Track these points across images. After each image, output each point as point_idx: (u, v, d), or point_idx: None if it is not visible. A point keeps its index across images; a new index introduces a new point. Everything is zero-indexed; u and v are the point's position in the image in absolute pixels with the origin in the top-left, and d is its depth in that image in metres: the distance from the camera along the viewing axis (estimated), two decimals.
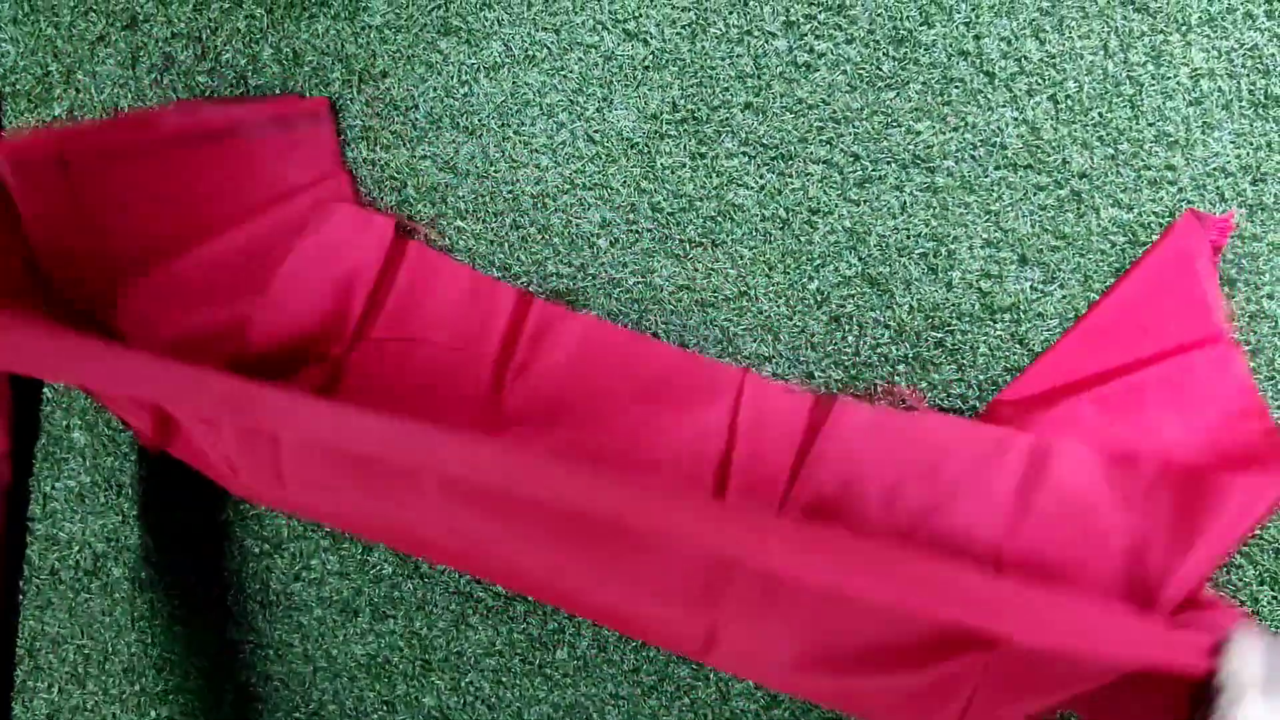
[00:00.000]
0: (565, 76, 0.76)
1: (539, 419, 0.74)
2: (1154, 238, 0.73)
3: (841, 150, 0.75)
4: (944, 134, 0.74)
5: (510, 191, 0.77)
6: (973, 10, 0.73)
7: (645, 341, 0.76)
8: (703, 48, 0.75)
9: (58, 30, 0.77)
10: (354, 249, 0.75)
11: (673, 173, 0.76)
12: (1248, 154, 0.73)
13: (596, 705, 0.78)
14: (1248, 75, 0.72)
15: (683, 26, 0.75)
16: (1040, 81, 0.73)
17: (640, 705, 0.77)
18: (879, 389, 0.75)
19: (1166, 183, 0.73)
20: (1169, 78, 0.73)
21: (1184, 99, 0.73)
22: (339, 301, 0.75)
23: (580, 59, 0.76)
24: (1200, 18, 0.72)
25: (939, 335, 0.75)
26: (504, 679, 0.78)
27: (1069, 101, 0.73)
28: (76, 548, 0.79)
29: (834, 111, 0.75)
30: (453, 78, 0.77)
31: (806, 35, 0.75)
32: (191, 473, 0.72)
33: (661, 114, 0.76)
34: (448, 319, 0.76)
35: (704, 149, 0.76)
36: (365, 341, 0.76)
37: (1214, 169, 0.73)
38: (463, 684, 0.78)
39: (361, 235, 0.75)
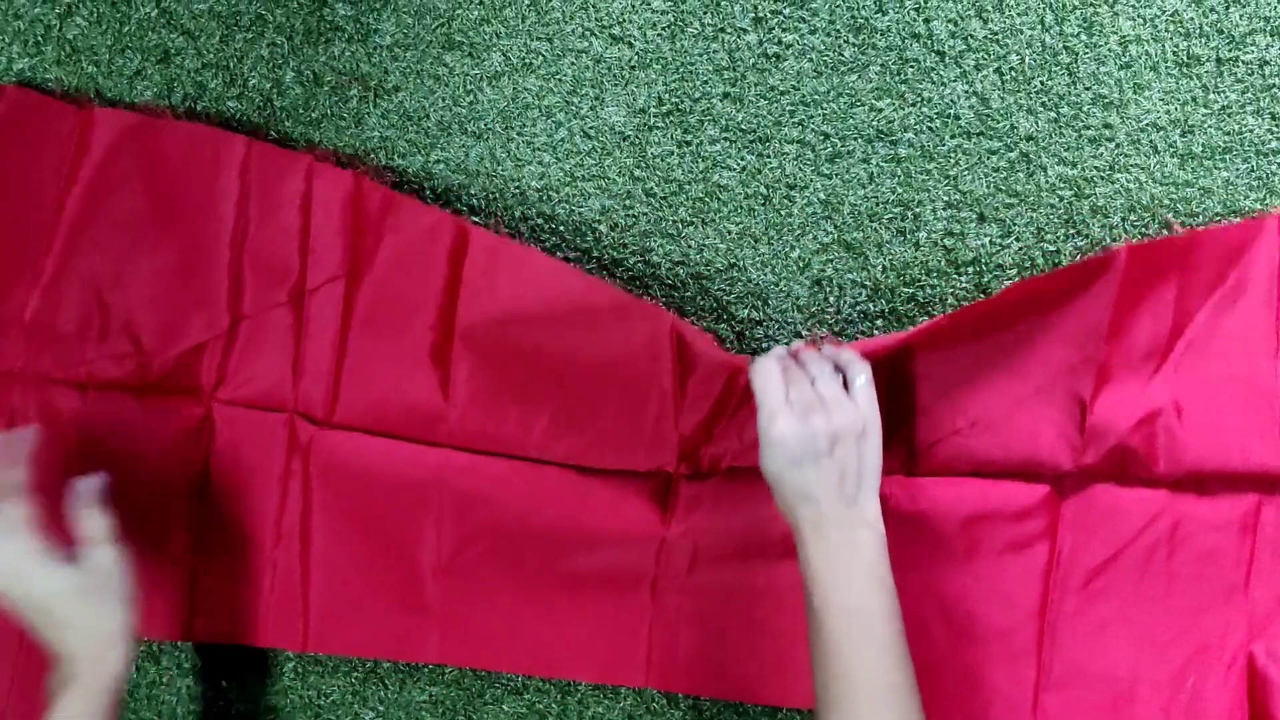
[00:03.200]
0: (560, 80, 0.84)
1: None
2: (1098, 190, 0.81)
3: (813, 130, 0.83)
4: (903, 109, 0.82)
5: (517, 187, 0.84)
6: None
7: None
8: (682, 46, 0.83)
9: (98, 68, 0.84)
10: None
11: (662, 160, 0.84)
12: (1176, 109, 0.81)
13: None
14: (1171, 39, 0.80)
15: (663, 28, 0.83)
16: (986, 56, 0.81)
17: None
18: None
19: (1105, 140, 0.81)
20: (1101, 45, 0.80)
21: (1115, 64, 0.81)
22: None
23: (573, 63, 0.83)
24: None
25: (911, 291, 0.83)
26: None
27: (1013, 73, 0.81)
28: None
29: (803, 96, 0.83)
30: (459, 88, 0.84)
31: (774, 29, 0.82)
32: None
33: (649, 108, 0.83)
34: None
35: (689, 137, 0.84)
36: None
37: (1147, 124, 0.81)
38: None
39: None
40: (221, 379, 0.81)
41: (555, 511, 0.80)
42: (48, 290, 0.79)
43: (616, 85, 0.83)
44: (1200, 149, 0.80)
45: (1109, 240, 0.81)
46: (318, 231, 0.81)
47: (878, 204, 0.82)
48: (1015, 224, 0.82)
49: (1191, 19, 0.80)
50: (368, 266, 0.81)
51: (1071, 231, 0.81)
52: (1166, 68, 0.80)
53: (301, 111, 0.84)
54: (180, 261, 0.80)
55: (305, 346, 0.81)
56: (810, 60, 0.82)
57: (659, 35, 0.83)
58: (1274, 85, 0.80)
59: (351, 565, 0.81)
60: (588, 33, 0.83)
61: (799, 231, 0.83)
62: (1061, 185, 0.81)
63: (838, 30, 0.82)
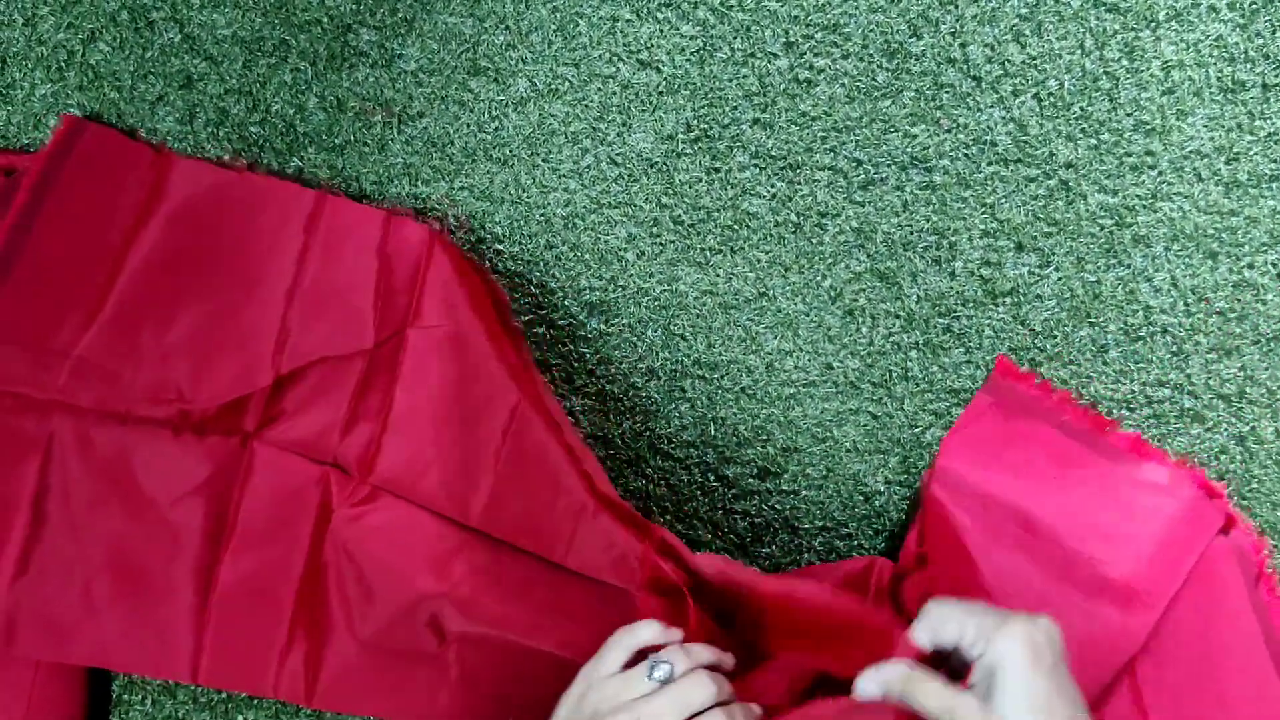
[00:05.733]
0: (587, 106, 0.82)
1: None
2: (1140, 218, 0.79)
3: (845, 157, 0.81)
4: (938, 136, 0.80)
5: (542, 215, 0.83)
6: (957, 20, 0.79)
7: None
8: (711, 71, 0.81)
9: (120, 93, 0.84)
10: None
11: (690, 187, 0.82)
12: (1220, 136, 0.78)
13: None
14: (1215, 64, 0.78)
15: (692, 53, 0.81)
16: (1024, 82, 0.79)
17: None
18: None
19: (1147, 167, 0.79)
20: (1142, 70, 0.79)
21: (1158, 89, 0.79)
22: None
23: (600, 89, 0.82)
24: (1167, 14, 0.78)
25: (946, 322, 0.81)
26: None
27: (1052, 99, 0.79)
28: None
29: (835, 122, 0.81)
30: (484, 114, 0.83)
31: (806, 54, 0.81)
32: None
33: (677, 134, 0.82)
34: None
35: (718, 164, 0.82)
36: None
37: (1190, 152, 0.79)
38: None
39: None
40: (266, 423, 0.79)
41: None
42: (102, 330, 0.78)
43: (644, 111, 0.82)
44: (1246, 176, 0.78)
45: (1150, 271, 0.79)
46: (389, 285, 0.79)
47: (912, 232, 0.80)
48: (1054, 253, 0.80)
49: (1236, 44, 0.77)
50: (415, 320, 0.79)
51: (1113, 261, 0.79)
52: (1210, 93, 0.78)
53: (325, 138, 0.83)
54: (232, 314, 0.78)
55: (363, 400, 0.78)
56: (842, 85, 0.80)
57: (688, 60, 0.81)
58: None
59: (364, 625, 0.80)
60: (615, 58, 0.82)
61: (830, 260, 0.82)
62: (1102, 213, 0.79)
63: (871, 55, 0.80)
